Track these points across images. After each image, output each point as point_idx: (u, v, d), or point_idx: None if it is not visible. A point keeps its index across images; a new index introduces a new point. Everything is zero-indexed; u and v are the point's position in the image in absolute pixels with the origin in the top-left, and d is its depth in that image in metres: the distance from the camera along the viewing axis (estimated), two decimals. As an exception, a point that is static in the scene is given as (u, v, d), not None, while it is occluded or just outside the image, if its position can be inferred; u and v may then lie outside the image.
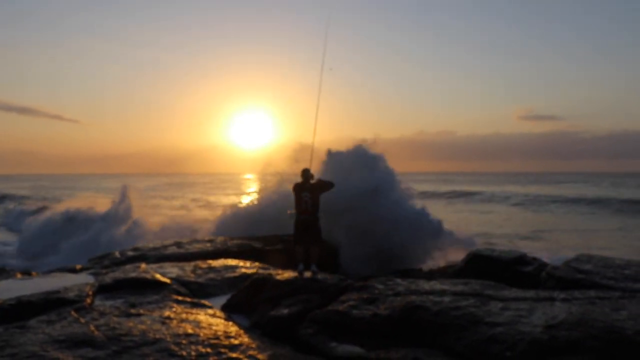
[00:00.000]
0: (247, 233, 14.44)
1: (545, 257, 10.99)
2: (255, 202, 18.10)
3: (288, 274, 7.43)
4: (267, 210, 16.52)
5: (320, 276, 7.25)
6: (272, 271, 7.98)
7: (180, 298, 6.59)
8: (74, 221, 21.83)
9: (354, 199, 14.63)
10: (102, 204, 23.58)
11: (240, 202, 19.62)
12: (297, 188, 7.86)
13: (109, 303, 6.20)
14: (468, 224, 26.08)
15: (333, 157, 16.54)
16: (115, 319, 5.41)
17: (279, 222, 14.57)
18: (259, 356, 4.61)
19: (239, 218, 17.44)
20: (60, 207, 25.04)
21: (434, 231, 15.58)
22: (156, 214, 25.20)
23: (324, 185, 7.94)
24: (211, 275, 8.24)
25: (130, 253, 11.20)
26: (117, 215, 20.64)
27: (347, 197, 14.11)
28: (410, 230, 14.66)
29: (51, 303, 5.98)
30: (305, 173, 7.96)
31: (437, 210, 20.31)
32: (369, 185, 15.46)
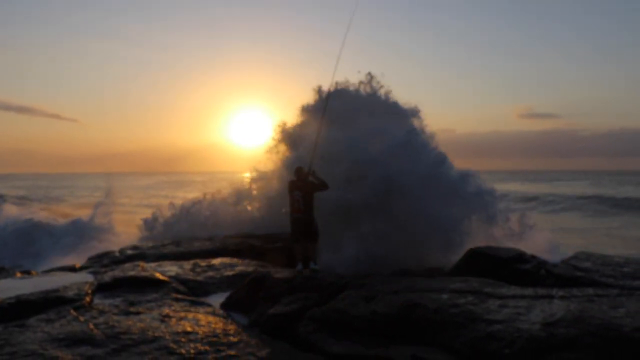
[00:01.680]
0: (188, 235, 13.20)
1: (544, 254, 10.80)
2: (193, 204, 15.98)
3: (287, 272, 7.45)
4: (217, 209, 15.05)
5: (319, 274, 7.27)
6: (271, 269, 8.00)
7: (179, 296, 6.59)
8: (33, 231, 17.73)
9: (359, 164, 10.39)
10: (88, 205, 21.50)
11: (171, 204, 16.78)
12: (290, 186, 7.86)
13: (108, 301, 6.20)
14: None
15: (328, 101, 10.16)
16: (114, 317, 5.42)
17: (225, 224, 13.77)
18: (258, 354, 4.63)
19: (171, 221, 15.37)
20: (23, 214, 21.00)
21: (521, 227, 11.19)
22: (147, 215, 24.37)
23: (317, 186, 7.92)
24: (210, 273, 8.24)
25: (130, 252, 11.22)
26: (90, 226, 17.53)
27: (348, 164, 10.27)
28: (470, 217, 10.45)
29: (50, 302, 5.98)
30: (298, 171, 7.95)
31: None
32: (392, 141, 10.50)
